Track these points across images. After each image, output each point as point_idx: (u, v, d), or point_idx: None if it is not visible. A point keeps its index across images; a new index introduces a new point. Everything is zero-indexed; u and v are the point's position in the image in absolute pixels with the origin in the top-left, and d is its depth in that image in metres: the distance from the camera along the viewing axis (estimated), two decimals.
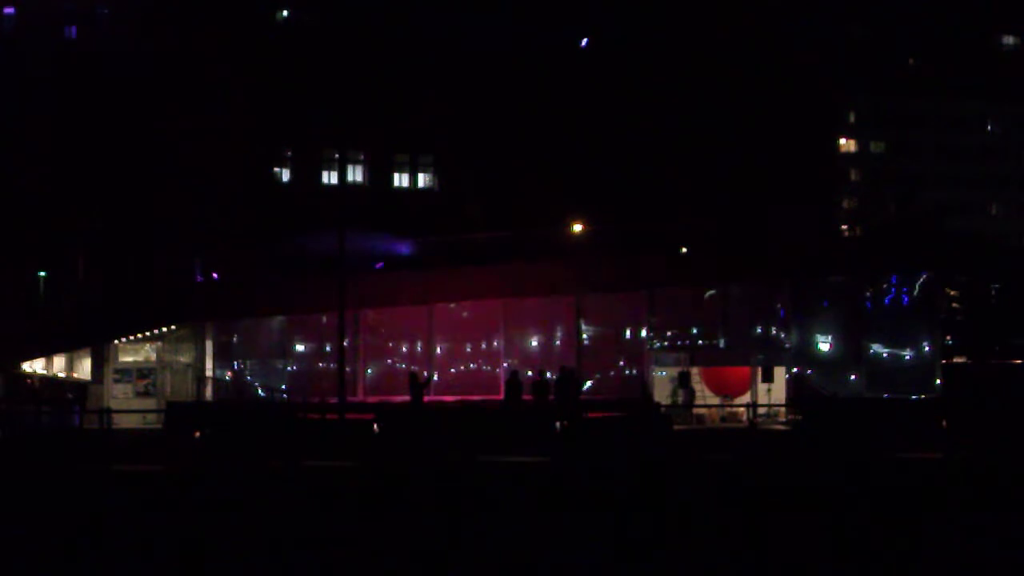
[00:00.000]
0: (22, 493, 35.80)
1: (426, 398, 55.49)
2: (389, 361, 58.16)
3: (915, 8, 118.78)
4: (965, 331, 75.92)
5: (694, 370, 56.19)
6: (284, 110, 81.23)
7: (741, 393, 56.18)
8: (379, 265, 59.57)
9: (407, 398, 55.08)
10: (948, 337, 70.67)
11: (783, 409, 53.84)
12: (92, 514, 34.99)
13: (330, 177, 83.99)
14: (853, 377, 56.70)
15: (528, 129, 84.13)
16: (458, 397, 54.53)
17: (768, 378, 55.35)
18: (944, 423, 42.18)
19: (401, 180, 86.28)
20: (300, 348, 58.60)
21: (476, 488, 36.87)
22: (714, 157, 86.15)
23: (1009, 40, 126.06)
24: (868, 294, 57.28)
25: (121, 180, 79.03)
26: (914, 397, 54.30)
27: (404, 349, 58.07)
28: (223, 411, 51.69)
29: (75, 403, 55.32)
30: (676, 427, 48.08)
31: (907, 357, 57.06)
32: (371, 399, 54.74)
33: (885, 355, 57.00)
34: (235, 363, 58.51)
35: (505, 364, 55.98)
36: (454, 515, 35.75)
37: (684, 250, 58.59)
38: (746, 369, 56.38)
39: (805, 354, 56.97)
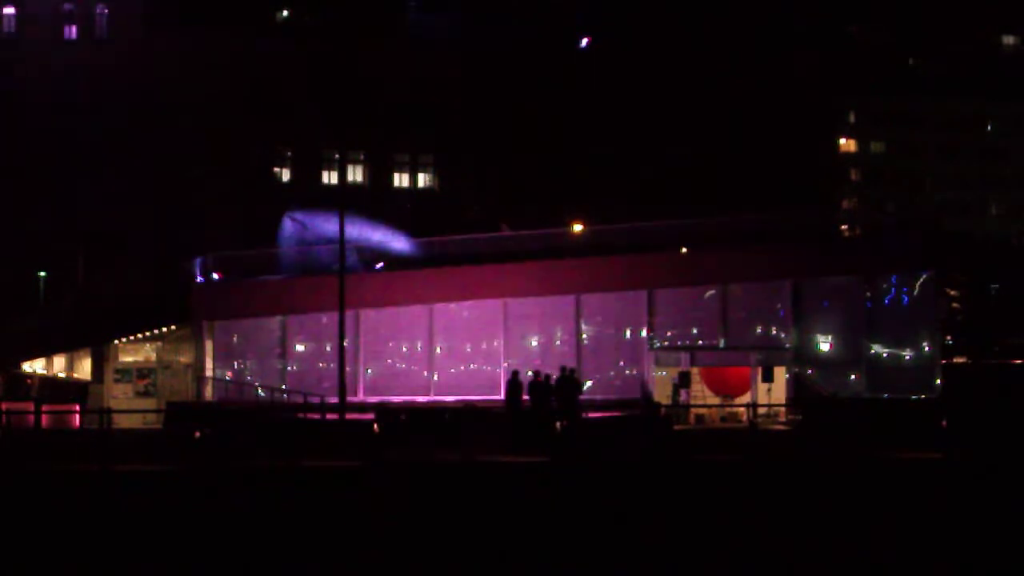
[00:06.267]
0: (22, 493, 35.77)
1: (425, 398, 55.59)
2: (389, 361, 58.15)
3: (915, 8, 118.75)
4: (965, 331, 76.02)
5: (694, 370, 56.21)
6: (284, 110, 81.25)
7: (741, 393, 56.18)
8: (379, 265, 59.57)
9: (407, 398, 55.25)
10: (948, 337, 70.71)
11: (783, 409, 53.83)
12: (92, 514, 34.95)
13: (330, 177, 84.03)
14: (853, 377, 56.72)
15: (528, 129, 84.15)
16: (458, 397, 54.53)
17: (768, 378, 55.35)
18: (944, 423, 42.14)
19: (401, 180, 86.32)
20: (300, 348, 58.58)
21: (476, 488, 36.84)
22: (714, 157, 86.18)
23: (1009, 40, 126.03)
24: (868, 294, 57.28)
25: (121, 180, 79.04)
26: (914, 397, 54.30)
27: (404, 349, 58.07)
28: (223, 411, 51.66)
29: (75, 403, 55.30)
30: (676, 427, 48.10)
31: (907, 357, 57.07)
32: (371, 399, 54.73)
33: (885, 355, 57.01)
34: (235, 363, 58.48)
35: (505, 364, 55.97)
36: (454, 515, 35.72)
37: (684, 250, 58.59)
38: (746, 369, 56.38)
39: (805, 354, 56.98)
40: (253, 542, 34.00)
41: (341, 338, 48.68)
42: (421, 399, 55.50)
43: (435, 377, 57.25)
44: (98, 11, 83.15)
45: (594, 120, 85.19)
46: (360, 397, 55.34)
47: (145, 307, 61.08)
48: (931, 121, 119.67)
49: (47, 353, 62.87)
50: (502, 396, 48.64)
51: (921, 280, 57.35)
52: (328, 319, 55.06)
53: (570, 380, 46.05)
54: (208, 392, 57.23)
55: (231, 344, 58.65)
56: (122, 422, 46.42)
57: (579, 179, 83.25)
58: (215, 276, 59.23)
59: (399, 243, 61.07)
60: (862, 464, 38.87)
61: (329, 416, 49.01)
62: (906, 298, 57.41)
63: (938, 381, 56.45)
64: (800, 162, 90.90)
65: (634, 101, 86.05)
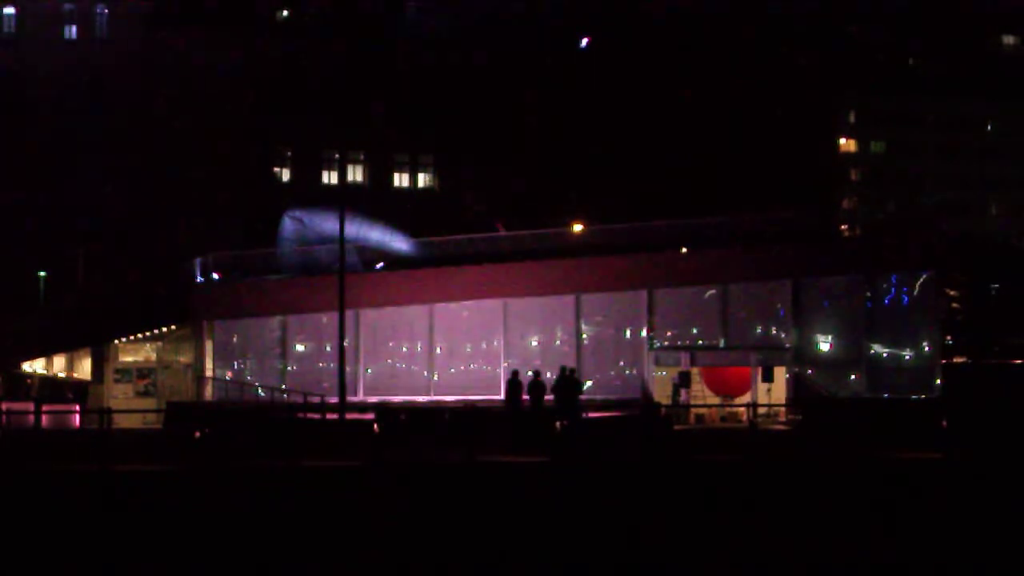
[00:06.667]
0: (22, 493, 35.78)
1: (425, 398, 55.59)
2: (389, 361, 58.16)
3: (915, 8, 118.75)
4: (965, 331, 75.97)
5: (694, 370, 56.23)
6: (284, 110, 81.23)
7: (741, 393, 56.20)
8: (379, 265, 59.59)
9: (407, 398, 55.27)
10: (948, 337, 70.63)
11: (783, 409, 53.85)
12: (92, 514, 34.96)
13: (330, 177, 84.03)
14: (853, 377, 56.73)
15: (527, 129, 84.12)
16: (458, 397, 54.54)
17: (768, 378, 55.38)
18: (944, 423, 42.14)
19: (401, 180, 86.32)
20: (300, 348, 58.60)
21: (476, 488, 36.84)
22: (715, 157, 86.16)
23: (1009, 40, 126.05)
24: (868, 294, 57.29)
25: (121, 180, 79.04)
26: (914, 397, 54.30)
27: (404, 349, 58.08)
28: (223, 411, 51.65)
29: (75, 403, 55.32)
30: (676, 427, 48.11)
31: (907, 357, 57.07)
32: (371, 399, 54.75)
33: (885, 355, 57.01)
34: (235, 363, 58.49)
35: (505, 364, 55.98)
36: (454, 515, 35.72)
37: (684, 250, 58.61)
38: (746, 369, 56.41)
39: (805, 354, 56.99)
40: (253, 542, 34.00)
41: (341, 338, 48.70)
42: (421, 399, 55.51)
43: (435, 377, 57.27)
44: (98, 11, 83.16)
45: (594, 120, 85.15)
46: (360, 397, 55.37)
47: (145, 307, 61.06)
48: (931, 121, 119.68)
49: (47, 353, 62.86)
50: (502, 396, 48.65)
51: (921, 280, 57.36)
52: (328, 319, 55.07)
53: (570, 379, 46.05)
54: (208, 392, 57.22)
55: (231, 344, 58.67)
56: (122, 422, 46.41)
57: (579, 179, 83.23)
58: (215, 276, 59.23)
59: (399, 243, 61.08)
60: (862, 464, 38.87)
61: (329, 416, 49.02)
62: (906, 298, 57.41)
63: (938, 381, 56.46)
64: (800, 162, 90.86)
65: (634, 101, 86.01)
